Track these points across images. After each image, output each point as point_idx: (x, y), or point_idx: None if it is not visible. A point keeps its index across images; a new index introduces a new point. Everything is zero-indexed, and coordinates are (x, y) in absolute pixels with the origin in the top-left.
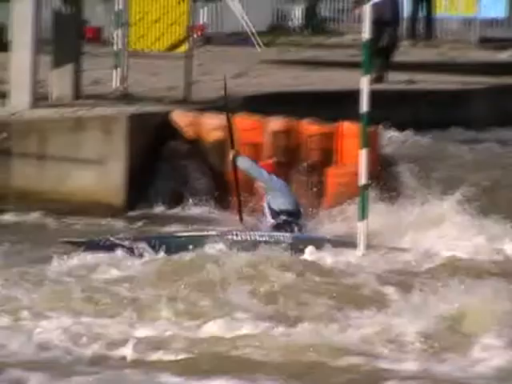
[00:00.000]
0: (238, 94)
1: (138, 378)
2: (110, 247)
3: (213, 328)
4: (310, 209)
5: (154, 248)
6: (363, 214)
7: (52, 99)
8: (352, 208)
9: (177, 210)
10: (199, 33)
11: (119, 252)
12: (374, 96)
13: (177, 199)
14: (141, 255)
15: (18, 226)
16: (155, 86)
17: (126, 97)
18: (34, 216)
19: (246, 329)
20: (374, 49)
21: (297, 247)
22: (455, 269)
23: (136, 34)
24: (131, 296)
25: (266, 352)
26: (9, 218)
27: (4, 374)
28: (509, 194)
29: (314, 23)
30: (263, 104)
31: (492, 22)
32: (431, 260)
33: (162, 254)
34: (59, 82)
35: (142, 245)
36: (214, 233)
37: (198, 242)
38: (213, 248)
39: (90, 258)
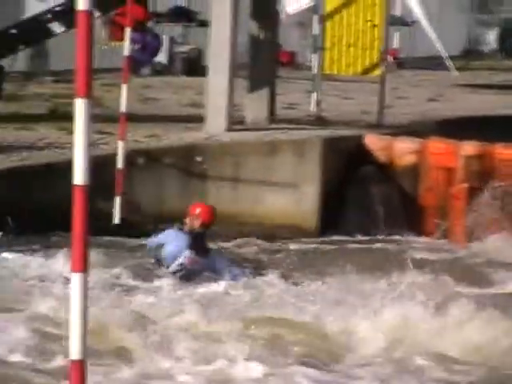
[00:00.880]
0: (431, 118)
1: None
2: None
3: None
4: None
5: None
6: None
7: (247, 123)
8: None
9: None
10: (392, 57)
11: None
12: None
13: (369, 224)
14: None
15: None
16: (348, 109)
17: (319, 120)
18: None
19: None
20: None
21: None
22: None
23: (330, 58)
24: None
25: None
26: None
27: None
28: None
29: (508, 47)
30: (456, 128)
31: None
32: None
33: None
34: (254, 105)
35: None
36: None
37: None
38: None
39: None
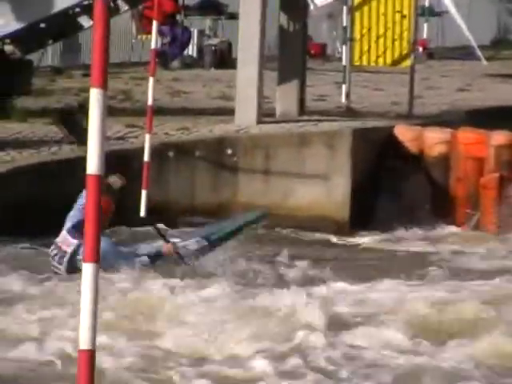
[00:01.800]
0: (461, 108)
1: None
2: None
3: None
4: None
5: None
6: None
7: (277, 115)
8: None
9: (402, 231)
10: (422, 47)
11: None
12: None
13: (400, 216)
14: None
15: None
16: (378, 101)
17: (349, 112)
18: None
19: None
20: None
21: None
22: None
23: (360, 49)
24: None
25: None
26: None
27: None
28: None
29: None
30: (486, 118)
31: None
32: None
33: None
34: (284, 97)
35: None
36: None
37: None
38: None
39: None
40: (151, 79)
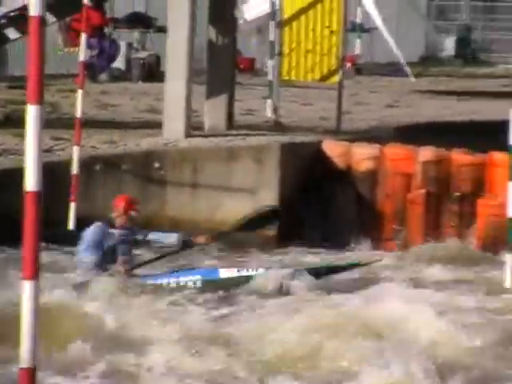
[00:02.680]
0: (389, 123)
1: None
2: None
3: None
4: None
5: None
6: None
7: (206, 129)
8: None
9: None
10: (351, 63)
11: None
12: None
13: (328, 231)
14: None
15: None
16: (307, 116)
17: (277, 127)
18: None
19: None
20: None
21: None
22: None
23: (289, 64)
24: None
25: None
26: None
27: None
28: None
29: (467, 53)
30: (414, 134)
31: None
32: None
33: None
34: (213, 111)
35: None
36: None
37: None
38: None
39: None
40: (80, 92)
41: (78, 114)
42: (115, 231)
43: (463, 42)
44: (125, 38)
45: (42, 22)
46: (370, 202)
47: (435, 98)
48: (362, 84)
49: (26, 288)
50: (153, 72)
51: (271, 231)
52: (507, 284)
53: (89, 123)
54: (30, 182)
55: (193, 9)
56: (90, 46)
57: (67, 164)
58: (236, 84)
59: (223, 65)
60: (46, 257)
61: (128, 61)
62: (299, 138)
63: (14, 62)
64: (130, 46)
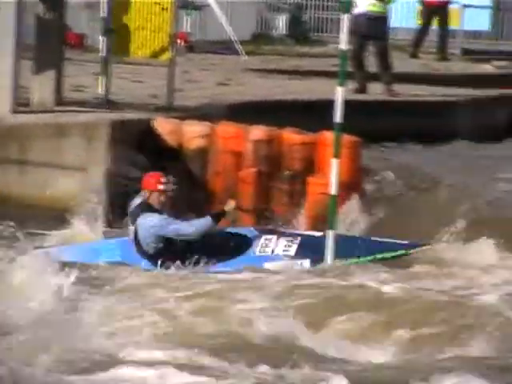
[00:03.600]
0: (221, 102)
1: None
2: None
3: None
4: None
5: None
6: (332, 224)
7: (33, 105)
8: None
9: None
10: (183, 40)
11: None
12: (356, 106)
13: None
14: None
15: None
16: (138, 93)
17: (108, 103)
18: None
19: None
20: (356, 60)
21: None
22: None
23: (120, 40)
24: None
25: None
26: None
27: None
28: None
29: (298, 32)
30: (246, 113)
31: (475, 35)
32: None
33: None
34: (41, 87)
35: None
36: None
37: None
38: None
39: None
40: None
41: None
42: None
43: (295, 21)
44: None
45: None
46: (200, 180)
47: (267, 76)
48: (193, 61)
49: None
50: None
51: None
52: (328, 261)
53: None
54: None
55: None
56: None
57: None
58: (66, 60)
59: (51, 40)
60: None
61: None
62: (130, 115)
63: None
64: None
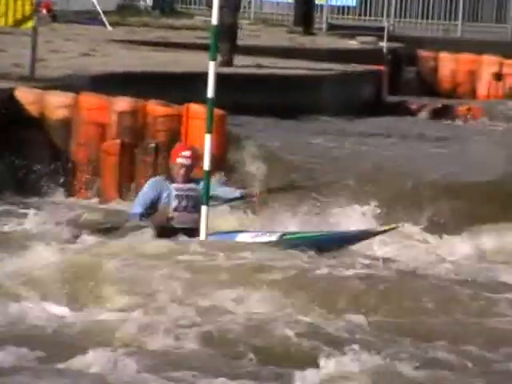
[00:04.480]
0: (84, 72)
1: None
2: None
3: None
4: None
5: None
6: (207, 200)
7: None
8: None
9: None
10: (46, 9)
11: None
12: (223, 80)
13: (18, 181)
14: None
15: None
16: (0, 62)
17: None
18: None
19: None
20: (229, 33)
21: None
22: None
23: None
24: None
25: None
26: None
27: None
28: None
29: (164, 4)
30: (110, 84)
31: (341, 10)
32: None
33: None
34: None
35: None
36: None
37: None
38: None
39: None
40: None
41: None
42: (172, 186)
43: None
44: None
45: None
46: (63, 151)
47: (132, 48)
48: (57, 31)
49: None
50: None
51: None
52: (201, 236)
53: None
54: None
55: None
56: None
57: None
58: None
59: None
60: None
61: None
62: None
63: None
64: None
